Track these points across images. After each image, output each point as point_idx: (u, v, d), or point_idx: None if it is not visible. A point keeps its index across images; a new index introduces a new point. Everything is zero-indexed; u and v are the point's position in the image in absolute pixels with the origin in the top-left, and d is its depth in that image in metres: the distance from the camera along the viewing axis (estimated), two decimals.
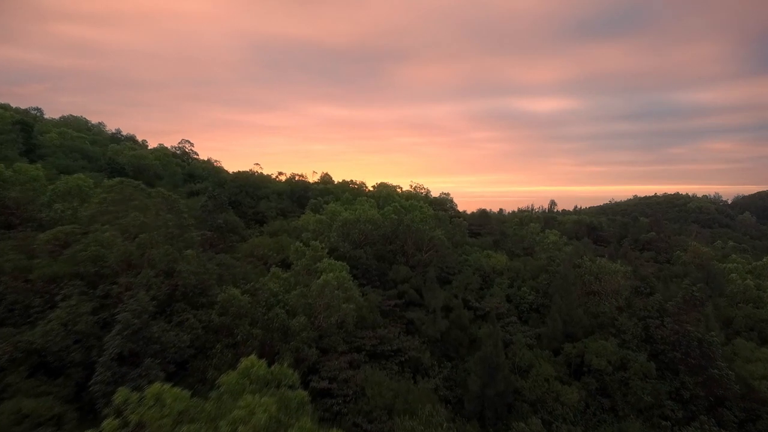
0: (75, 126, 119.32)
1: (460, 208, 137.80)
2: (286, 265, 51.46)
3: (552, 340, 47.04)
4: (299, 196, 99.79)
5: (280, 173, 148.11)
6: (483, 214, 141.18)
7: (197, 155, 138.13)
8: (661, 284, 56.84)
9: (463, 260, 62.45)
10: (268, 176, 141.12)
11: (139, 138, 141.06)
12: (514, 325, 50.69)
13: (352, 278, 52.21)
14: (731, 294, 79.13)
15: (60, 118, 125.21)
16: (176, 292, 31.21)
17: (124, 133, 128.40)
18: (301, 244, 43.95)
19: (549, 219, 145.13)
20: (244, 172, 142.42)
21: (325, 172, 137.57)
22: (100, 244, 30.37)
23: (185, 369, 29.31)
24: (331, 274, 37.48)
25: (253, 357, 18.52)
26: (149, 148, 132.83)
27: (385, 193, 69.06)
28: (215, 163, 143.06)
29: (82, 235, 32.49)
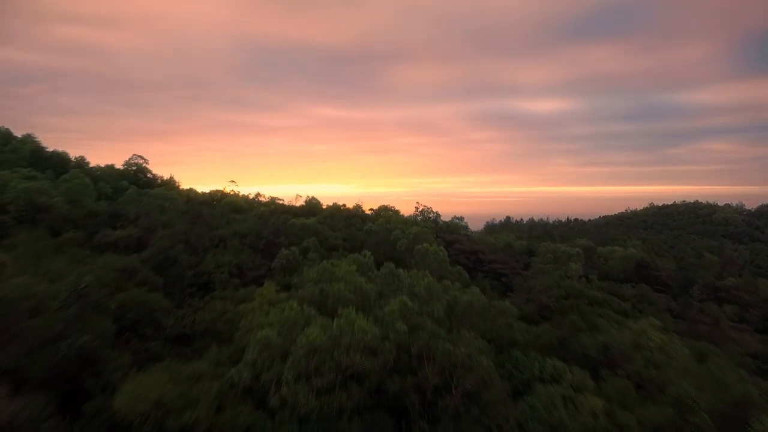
0: None
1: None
2: None
3: None
4: (267, 242, 72.32)
5: (259, 195, 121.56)
6: (508, 249, 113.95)
7: (152, 174, 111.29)
8: None
9: (526, 408, 35.01)
10: (244, 198, 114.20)
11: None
12: None
13: None
14: None
15: None
16: None
17: (50, 148, 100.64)
18: None
19: (589, 253, 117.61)
20: (209, 195, 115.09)
21: (310, 197, 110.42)
22: None
23: None
24: None
25: None
26: (92, 166, 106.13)
27: (387, 271, 42.04)
28: (177, 185, 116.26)
29: None
